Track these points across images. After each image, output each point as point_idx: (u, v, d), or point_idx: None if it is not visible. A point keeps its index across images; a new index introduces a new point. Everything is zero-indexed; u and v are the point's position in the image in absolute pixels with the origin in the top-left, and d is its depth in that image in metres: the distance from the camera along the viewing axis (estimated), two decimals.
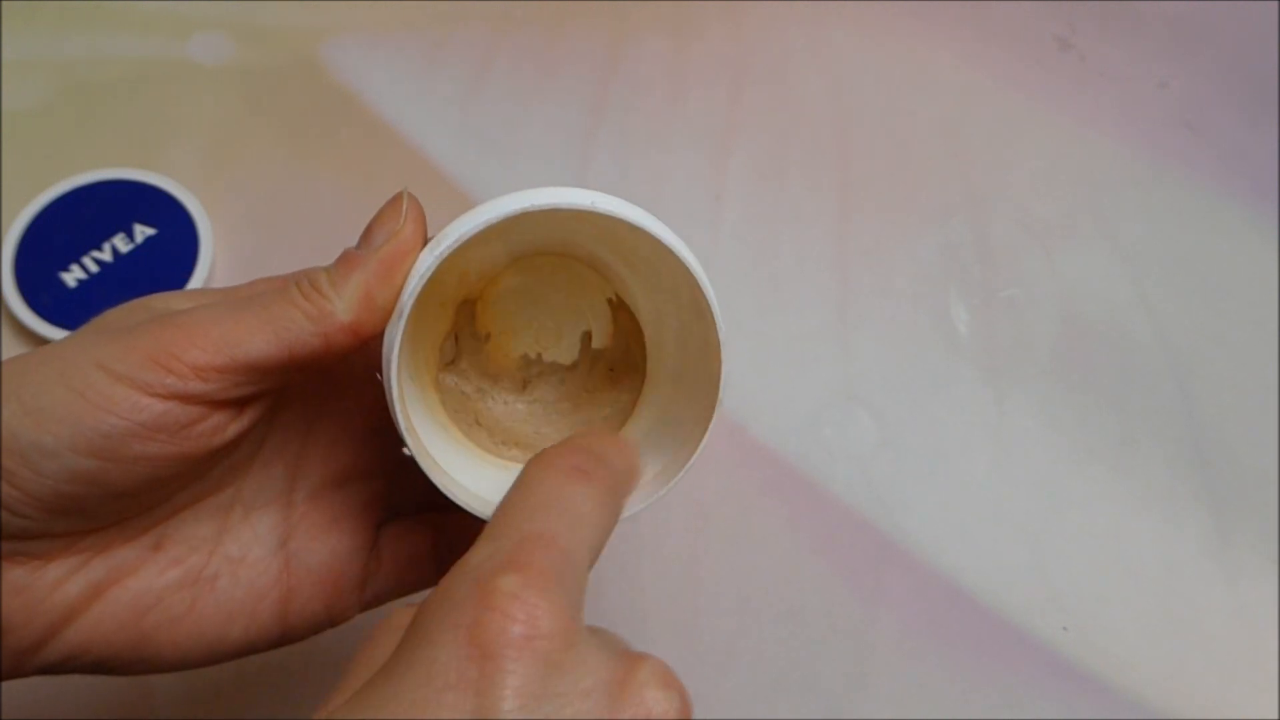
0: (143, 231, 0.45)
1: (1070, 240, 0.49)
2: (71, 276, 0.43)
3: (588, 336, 0.30)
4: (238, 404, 0.25)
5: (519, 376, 0.30)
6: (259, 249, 0.47)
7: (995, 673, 0.39)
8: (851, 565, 0.41)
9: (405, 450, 0.25)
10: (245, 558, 0.27)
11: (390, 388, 0.25)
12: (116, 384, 0.23)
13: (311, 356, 0.24)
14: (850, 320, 0.46)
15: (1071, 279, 0.48)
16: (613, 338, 0.30)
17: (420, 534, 0.29)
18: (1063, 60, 0.54)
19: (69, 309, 0.43)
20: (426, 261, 0.25)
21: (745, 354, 0.45)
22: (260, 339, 0.24)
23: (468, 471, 0.27)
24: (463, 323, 0.29)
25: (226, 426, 0.25)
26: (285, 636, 0.27)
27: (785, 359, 0.45)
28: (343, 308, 0.24)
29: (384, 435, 0.28)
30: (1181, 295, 0.47)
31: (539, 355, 0.30)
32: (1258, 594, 0.41)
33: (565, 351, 0.30)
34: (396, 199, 0.25)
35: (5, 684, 0.36)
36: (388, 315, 0.25)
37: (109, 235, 0.44)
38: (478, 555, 0.20)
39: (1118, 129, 0.52)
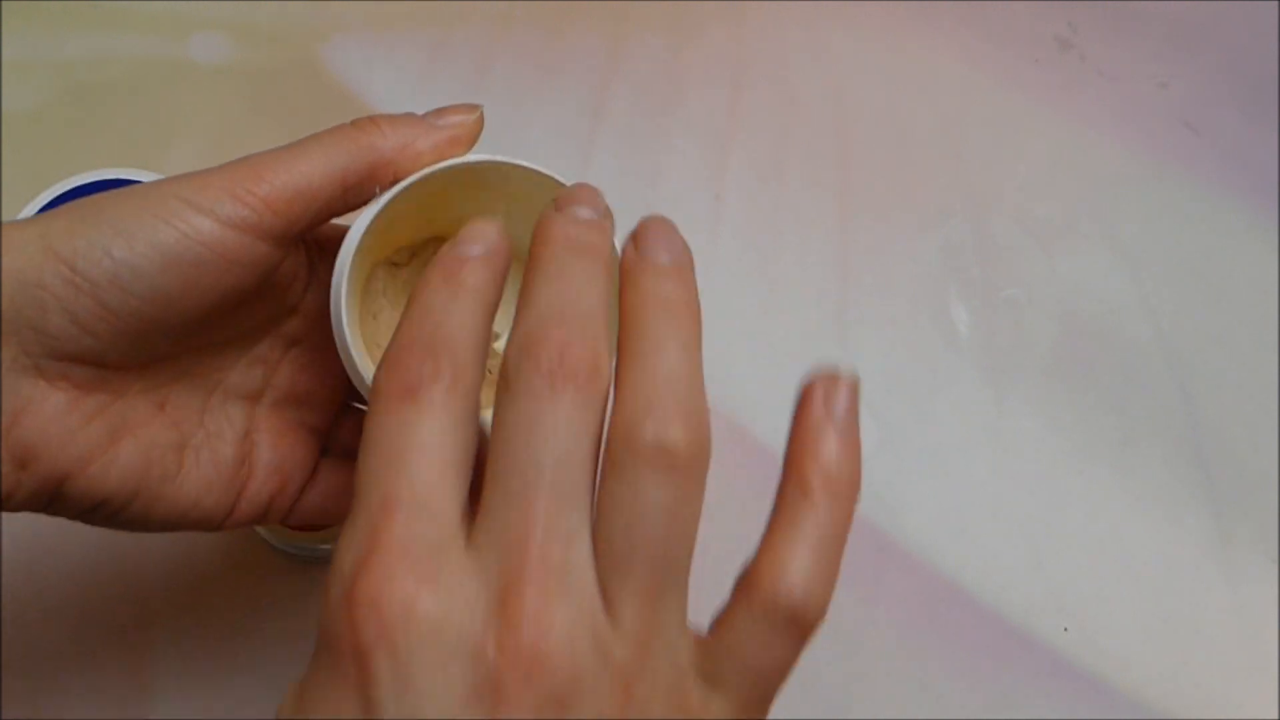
0: None
1: (1070, 240, 0.49)
2: None
3: (495, 336, 0.33)
4: (294, 239, 0.27)
5: None
6: None
7: (995, 673, 0.39)
8: (851, 565, 0.41)
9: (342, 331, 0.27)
10: (222, 435, 0.29)
11: (344, 268, 0.27)
12: (200, 215, 0.25)
13: (359, 185, 0.27)
14: (850, 320, 0.46)
15: (1071, 279, 0.48)
16: None
17: (350, 471, 0.31)
18: (1063, 60, 0.54)
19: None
20: (457, 160, 0.28)
21: (745, 354, 0.45)
22: (320, 171, 0.26)
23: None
24: (426, 250, 0.32)
25: (278, 263, 0.27)
26: (232, 518, 0.29)
27: (785, 359, 0.45)
28: (390, 145, 0.27)
29: (343, 378, 0.30)
30: (1181, 295, 0.48)
31: None
32: (1258, 594, 0.41)
33: None
34: (474, 105, 0.29)
35: (5, 685, 0.36)
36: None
37: None
38: (343, 542, 0.21)
39: (1118, 129, 0.52)
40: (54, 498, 0.26)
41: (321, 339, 0.30)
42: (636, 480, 0.21)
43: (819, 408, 0.24)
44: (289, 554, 0.39)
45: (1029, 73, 0.53)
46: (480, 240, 0.24)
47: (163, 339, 0.27)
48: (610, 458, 0.22)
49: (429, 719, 0.19)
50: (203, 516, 0.28)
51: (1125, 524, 0.42)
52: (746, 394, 0.44)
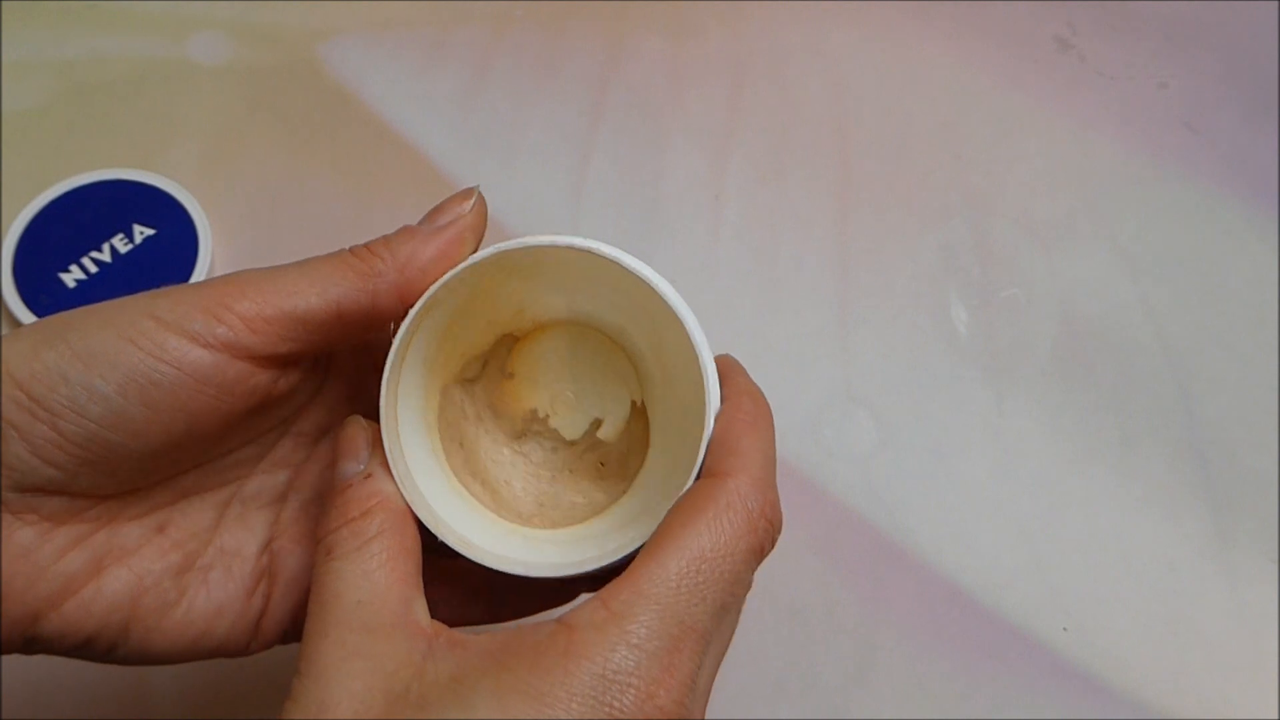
0: (142, 232, 0.45)
1: (1070, 240, 0.49)
2: (71, 277, 0.43)
3: (597, 424, 0.30)
4: (282, 362, 0.25)
5: (520, 425, 0.30)
6: (258, 249, 0.46)
7: (995, 673, 0.39)
8: (851, 565, 0.41)
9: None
10: (239, 552, 0.27)
11: (388, 366, 0.25)
12: (167, 332, 0.23)
13: (359, 314, 0.25)
14: (850, 320, 0.46)
15: (1071, 279, 0.48)
16: (620, 437, 0.30)
17: None
18: (1063, 60, 0.54)
19: (68, 310, 0.43)
20: (475, 257, 0.25)
21: (745, 354, 0.45)
22: (311, 293, 0.24)
23: (434, 492, 0.27)
24: (498, 353, 0.30)
25: (269, 387, 0.25)
26: (255, 642, 0.27)
27: (785, 359, 0.45)
28: (392, 268, 0.25)
29: None
30: (1181, 295, 0.47)
31: (546, 416, 0.30)
32: (1258, 594, 0.41)
33: (571, 426, 0.30)
34: (468, 191, 0.26)
35: (5, 685, 0.36)
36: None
37: (108, 236, 0.44)
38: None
39: (1118, 129, 0.52)
40: (30, 639, 0.24)
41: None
42: None
43: None
44: None
45: (1029, 73, 0.53)
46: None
47: (135, 468, 0.24)
48: None
49: None
50: (217, 645, 0.26)
51: (1125, 524, 0.42)
52: None
